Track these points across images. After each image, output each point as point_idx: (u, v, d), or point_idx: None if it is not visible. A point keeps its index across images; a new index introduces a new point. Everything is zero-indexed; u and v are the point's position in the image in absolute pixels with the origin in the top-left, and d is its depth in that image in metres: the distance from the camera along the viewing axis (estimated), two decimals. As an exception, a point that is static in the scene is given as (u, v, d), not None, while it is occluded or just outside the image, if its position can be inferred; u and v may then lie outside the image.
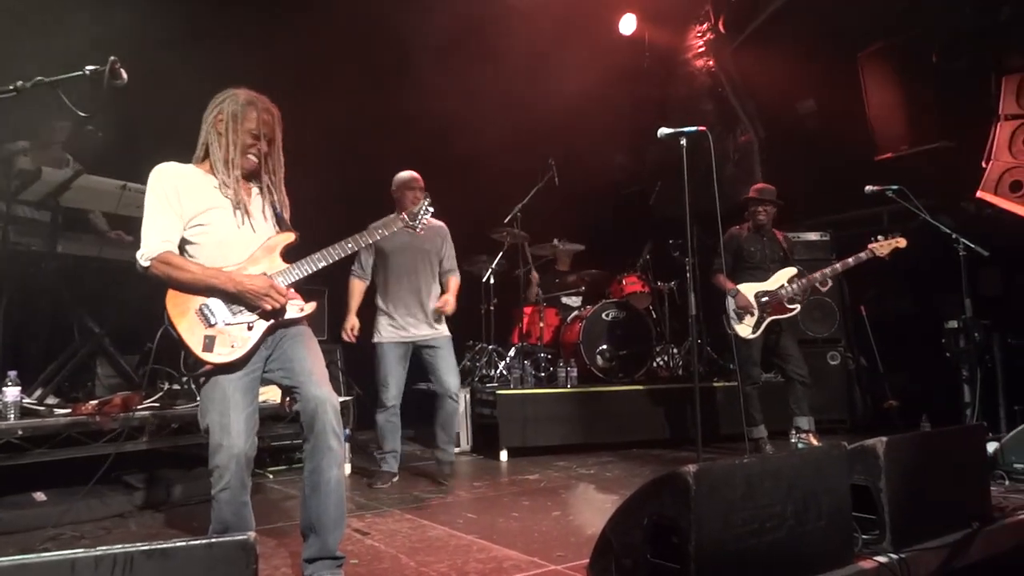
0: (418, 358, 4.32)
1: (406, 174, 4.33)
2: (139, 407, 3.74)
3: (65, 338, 4.22)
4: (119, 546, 1.30)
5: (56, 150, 4.54)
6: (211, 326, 2.27)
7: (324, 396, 2.31)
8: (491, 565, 2.63)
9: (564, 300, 6.84)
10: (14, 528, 3.16)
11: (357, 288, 4.31)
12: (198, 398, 2.40)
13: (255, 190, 2.50)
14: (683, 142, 3.62)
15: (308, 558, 2.33)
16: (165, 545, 1.34)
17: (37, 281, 4.06)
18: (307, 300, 2.52)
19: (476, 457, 5.41)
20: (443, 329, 4.33)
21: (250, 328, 2.31)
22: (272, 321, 2.36)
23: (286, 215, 2.56)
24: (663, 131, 3.65)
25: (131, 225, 4.52)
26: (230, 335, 2.27)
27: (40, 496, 3.45)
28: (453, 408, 4.31)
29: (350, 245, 2.52)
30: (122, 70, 2.14)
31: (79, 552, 1.27)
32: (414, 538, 3.03)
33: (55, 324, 4.28)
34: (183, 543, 1.36)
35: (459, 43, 6.46)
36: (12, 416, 3.32)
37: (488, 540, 2.97)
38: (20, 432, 3.25)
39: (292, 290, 2.44)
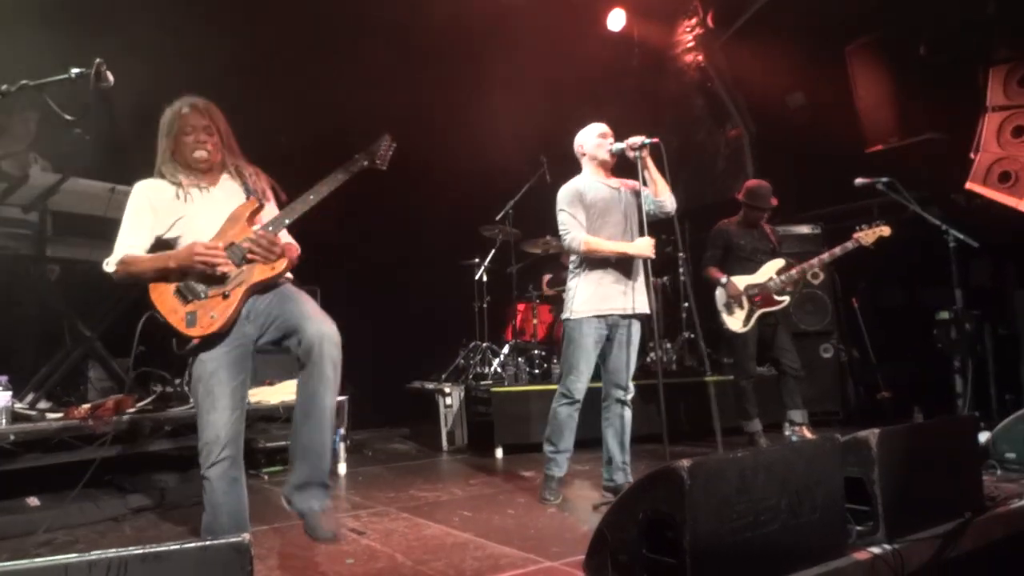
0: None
1: (591, 124, 3.78)
2: (131, 410, 3.73)
3: (56, 342, 4.21)
4: (113, 550, 1.29)
5: (22, 147, 4.46)
6: (188, 303, 2.39)
7: (326, 330, 2.38)
8: (487, 563, 2.63)
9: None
10: (7, 533, 3.14)
11: None
12: (188, 386, 2.49)
13: (223, 176, 2.63)
14: (641, 153, 3.52)
15: (298, 483, 2.38)
16: (159, 548, 1.33)
17: (27, 285, 4.04)
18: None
19: (471, 455, 5.41)
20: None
21: (225, 296, 2.41)
22: (247, 286, 2.43)
23: (263, 187, 2.67)
24: (616, 146, 3.60)
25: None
26: (208, 307, 2.39)
27: (33, 501, 3.43)
28: (629, 415, 3.70)
29: (311, 197, 2.56)
30: (108, 72, 2.13)
31: (73, 557, 1.26)
32: (410, 537, 3.03)
33: (46, 328, 4.26)
34: (177, 546, 1.35)
35: (449, 41, 6.44)
36: (3, 421, 3.31)
37: (484, 538, 2.97)
38: (12, 437, 3.24)
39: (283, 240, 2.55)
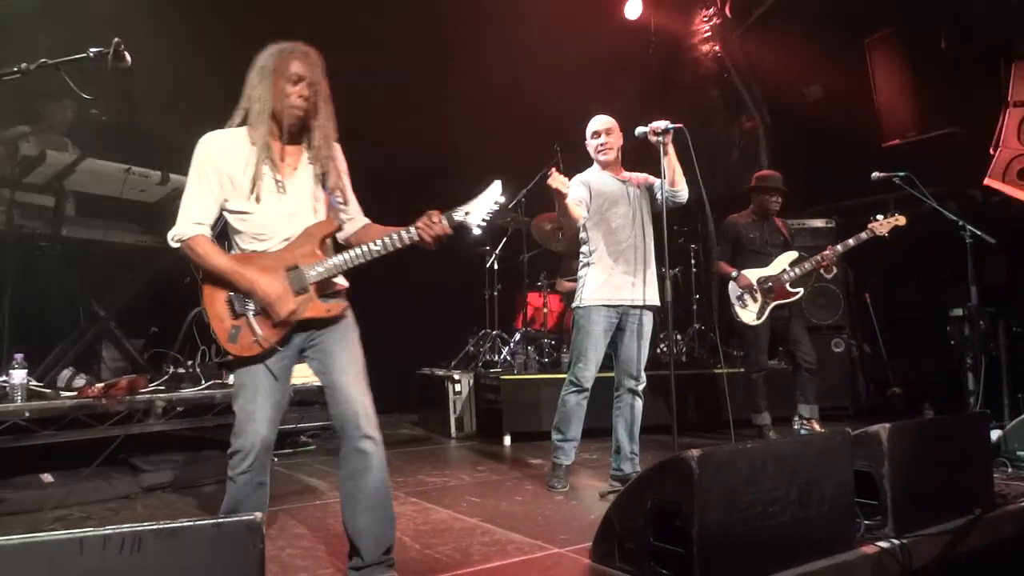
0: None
1: (592, 120, 3.82)
2: (144, 390, 3.77)
3: (70, 322, 4.24)
4: (127, 526, 1.31)
5: (55, 135, 4.54)
6: (237, 317, 2.23)
7: (354, 397, 2.24)
8: (495, 548, 2.65)
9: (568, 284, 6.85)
10: (22, 508, 3.19)
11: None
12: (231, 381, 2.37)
13: (304, 159, 2.34)
14: (661, 138, 3.50)
15: (356, 567, 2.24)
16: (173, 525, 1.35)
17: (42, 265, 4.07)
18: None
19: (479, 442, 5.43)
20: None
21: (275, 325, 2.23)
22: (296, 319, 2.26)
23: (343, 185, 2.41)
24: (639, 130, 3.59)
25: (135, 209, 4.53)
26: (255, 329, 2.22)
27: (48, 477, 3.47)
28: (639, 405, 3.73)
29: (396, 242, 2.31)
30: (126, 52, 2.13)
31: (88, 531, 1.28)
32: (419, 521, 3.05)
33: (60, 308, 4.29)
34: (191, 523, 1.37)
35: (465, 27, 6.42)
36: (19, 398, 3.34)
37: (492, 523, 2.99)
38: (27, 414, 3.27)
39: (341, 279, 2.37)
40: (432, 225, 2.29)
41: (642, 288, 3.64)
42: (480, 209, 2.37)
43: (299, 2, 5.69)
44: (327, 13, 5.84)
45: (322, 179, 2.35)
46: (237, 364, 2.26)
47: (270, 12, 5.32)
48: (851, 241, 4.71)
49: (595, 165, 3.82)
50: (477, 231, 2.40)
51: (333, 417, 2.28)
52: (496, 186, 2.39)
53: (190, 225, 2.23)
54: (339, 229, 2.41)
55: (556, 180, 3.31)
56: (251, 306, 2.23)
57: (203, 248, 2.22)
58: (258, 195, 2.24)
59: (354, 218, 2.51)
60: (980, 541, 2.70)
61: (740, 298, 4.91)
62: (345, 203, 2.47)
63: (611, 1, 7.82)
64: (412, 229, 2.30)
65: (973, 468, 2.89)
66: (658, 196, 3.67)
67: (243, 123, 2.28)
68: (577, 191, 3.65)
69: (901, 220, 4.57)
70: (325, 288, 2.33)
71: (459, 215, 2.36)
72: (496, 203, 2.39)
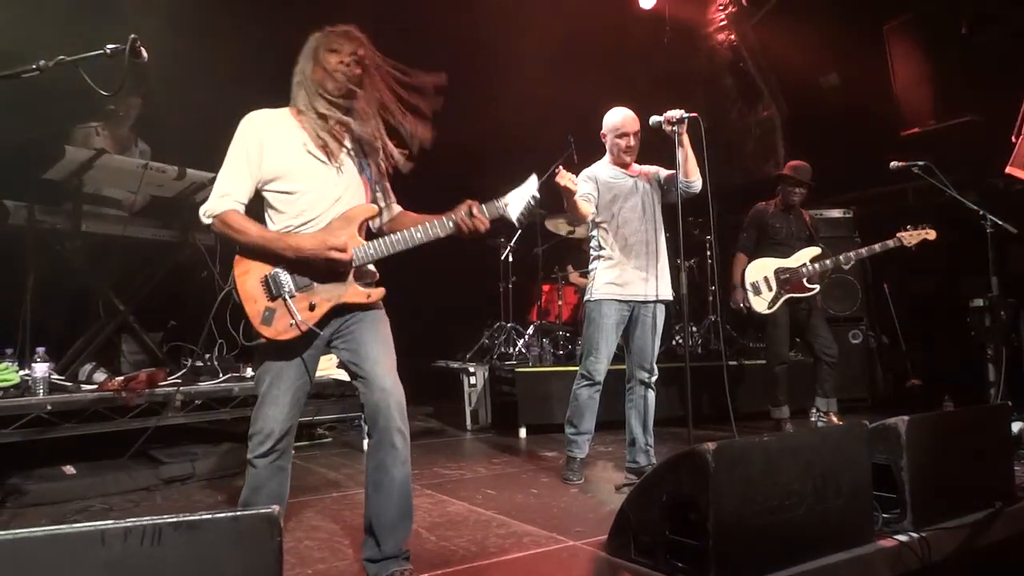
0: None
1: (618, 114, 3.71)
2: (163, 383, 3.81)
3: (90, 315, 4.30)
4: (147, 518, 1.32)
5: (125, 130, 4.63)
6: (273, 299, 2.17)
7: (388, 388, 2.21)
8: (511, 540, 2.66)
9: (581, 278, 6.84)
10: (45, 500, 3.25)
11: None
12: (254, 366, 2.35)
13: (348, 144, 2.31)
14: (675, 128, 3.46)
15: (369, 558, 2.22)
16: (192, 517, 1.36)
17: (63, 260, 4.12)
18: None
19: (495, 434, 5.44)
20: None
21: (312, 308, 2.19)
22: (336, 304, 2.22)
23: (383, 168, 2.38)
24: (653, 119, 3.54)
25: (153, 204, 4.56)
26: (290, 312, 2.16)
27: (70, 469, 3.53)
28: (652, 397, 3.70)
29: (437, 230, 2.26)
30: (143, 49, 2.13)
31: (108, 523, 1.30)
32: (434, 513, 3.07)
33: (81, 302, 4.35)
34: (210, 515, 1.38)
35: (478, 17, 6.39)
36: (41, 391, 3.39)
37: (507, 516, 3.00)
38: (49, 407, 3.33)
39: (372, 267, 2.34)
40: (472, 217, 2.26)
41: (654, 283, 3.63)
42: (517, 202, 2.32)
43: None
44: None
45: (370, 164, 2.32)
46: (267, 347, 2.22)
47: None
48: (877, 247, 4.66)
49: (605, 158, 3.77)
50: (517, 224, 2.37)
51: (365, 407, 2.24)
52: (532, 180, 2.34)
53: (223, 199, 2.19)
54: (379, 214, 2.39)
55: (564, 178, 3.26)
56: (288, 288, 2.18)
57: (236, 221, 2.18)
58: (304, 175, 2.22)
59: (390, 206, 2.48)
60: (1000, 535, 2.67)
61: (754, 285, 4.88)
62: (383, 190, 2.46)
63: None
64: (452, 219, 2.26)
65: (993, 461, 2.85)
66: (668, 188, 3.64)
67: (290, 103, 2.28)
68: (584, 187, 3.62)
69: (931, 234, 4.52)
70: (363, 275, 2.30)
71: (498, 207, 2.31)
72: (533, 197, 2.34)
